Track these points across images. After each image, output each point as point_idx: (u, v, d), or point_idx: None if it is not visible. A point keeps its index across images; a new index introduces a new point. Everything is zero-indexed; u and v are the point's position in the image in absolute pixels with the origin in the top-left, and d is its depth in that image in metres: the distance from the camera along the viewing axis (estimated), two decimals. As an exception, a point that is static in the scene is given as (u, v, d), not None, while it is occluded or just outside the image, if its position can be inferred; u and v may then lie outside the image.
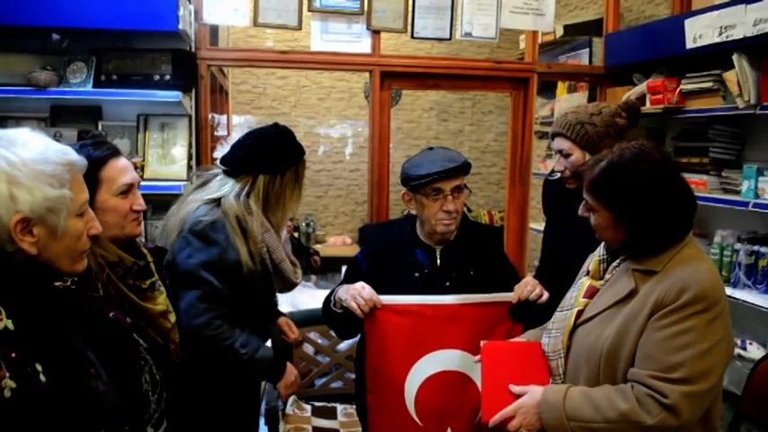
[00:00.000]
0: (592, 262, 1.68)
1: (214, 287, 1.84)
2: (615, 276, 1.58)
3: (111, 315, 1.47)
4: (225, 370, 1.93)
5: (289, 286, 2.02)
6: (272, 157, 1.95)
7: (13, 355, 1.06)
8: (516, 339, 1.87)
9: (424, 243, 2.08)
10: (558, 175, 2.32)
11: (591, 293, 1.61)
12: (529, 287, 1.93)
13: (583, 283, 1.67)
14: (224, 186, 1.94)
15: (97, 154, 1.61)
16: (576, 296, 1.65)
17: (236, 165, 1.96)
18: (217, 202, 1.91)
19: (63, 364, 1.16)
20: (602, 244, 1.67)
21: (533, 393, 1.55)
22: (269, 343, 2.06)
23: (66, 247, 1.22)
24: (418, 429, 1.97)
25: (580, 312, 1.60)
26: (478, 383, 1.93)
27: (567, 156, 2.22)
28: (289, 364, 2.07)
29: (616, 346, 1.48)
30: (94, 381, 1.23)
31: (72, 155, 1.24)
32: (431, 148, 2.09)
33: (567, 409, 1.46)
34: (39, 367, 1.10)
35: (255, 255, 1.89)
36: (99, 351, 1.37)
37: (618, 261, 1.60)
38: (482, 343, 1.77)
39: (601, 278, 1.63)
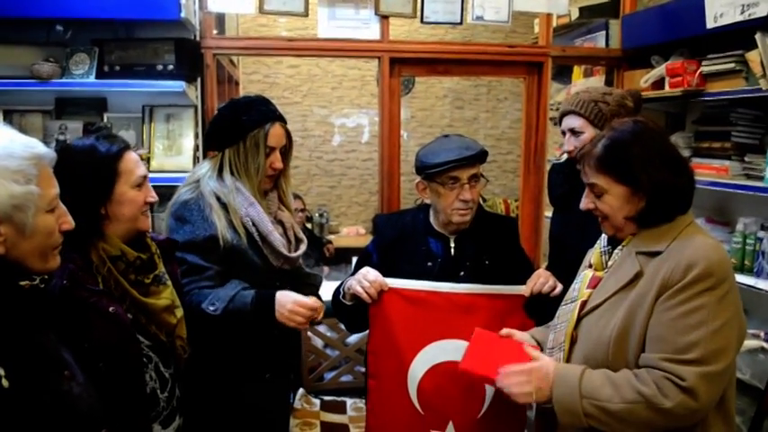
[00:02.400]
0: (593, 255, 1.63)
1: (191, 264, 1.84)
2: (618, 262, 1.53)
3: (110, 310, 1.45)
4: (216, 335, 1.85)
5: (287, 261, 1.98)
6: (228, 129, 1.93)
7: None
8: (518, 335, 1.79)
9: (437, 232, 2.04)
10: (566, 157, 2.27)
11: (594, 284, 1.56)
12: (542, 279, 1.89)
13: (586, 274, 1.61)
14: (202, 168, 1.98)
15: (115, 147, 1.60)
16: (579, 288, 1.60)
17: (208, 146, 2.02)
18: (197, 182, 1.94)
19: (31, 367, 1.12)
20: (603, 236, 1.61)
21: (545, 363, 1.50)
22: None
23: (38, 244, 1.18)
24: (419, 418, 1.93)
25: (584, 303, 1.54)
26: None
27: (578, 134, 2.17)
28: (283, 292, 1.85)
29: (624, 331, 1.42)
30: (68, 383, 1.19)
31: (38, 148, 1.19)
32: (446, 136, 2.06)
33: (582, 386, 1.40)
34: (1, 372, 1.06)
35: (238, 227, 1.88)
36: (85, 346, 1.35)
37: (619, 248, 1.54)
38: (476, 330, 1.75)
39: (604, 269, 1.57)
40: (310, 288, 2.11)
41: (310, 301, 1.85)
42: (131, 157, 1.63)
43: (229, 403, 1.92)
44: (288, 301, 1.82)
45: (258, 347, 1.93)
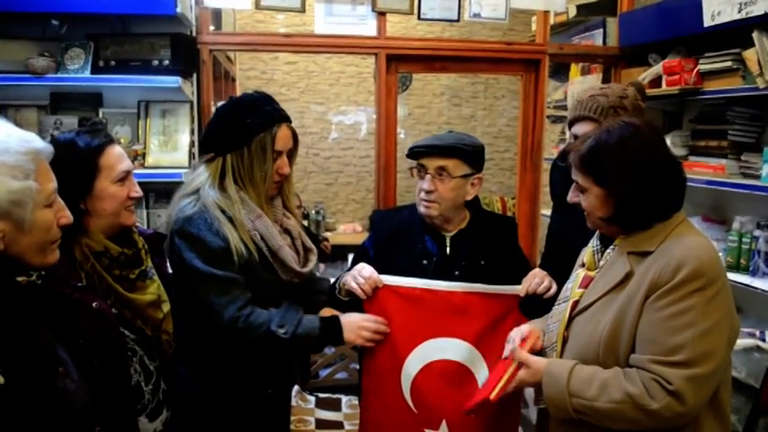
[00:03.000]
0: (586, 254, 1.63)
1: (221, 277, 1.73)
2: (609, 262, 1.52)
3: (94, 305, 1.44)
4: (271, 355, 1.83)
5: (298, 276, 1.87)
6: (231, 132, 1.78)
7: None
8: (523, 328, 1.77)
9: (433, 230, 2.03)
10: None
11: (586, 283, 1.56)
12: (536, 279, 1.88)
13: (578, 274, 1.61)
14: (201, 175, 1.82)
15: (96, 141, 1.58)
16: (571, 287, 1.60)
17: (206, 150, 1.86)
18: (197, 193, 1.80)
19: (26, 363, 1.11)
20: (595, 235, 1.61)
21: (534, 370, 1.52)
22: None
23: (36, 239, 1.18)
24: (412, 416, 1.91)
25: (576, 303, 1.55)
26: (480, 379, 1.87)
27: None
28: (346, 314, 1.89)
29: (614, 332, 1.42)
30: (62, 380, 1.18)
31: (36, 143, 1.18)
32: (450, 132, 2.08)
33: (571, 384, 1.41)
34: None
35: (248, 242, 1.76)
36: (80, 343, 1.34)
37: (611, 248, 1.54)
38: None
39: (596, 268, 1.57)
40: (320, 295, 2.05)
41: (374, 316, 1.88)
42: (113, 151, 1.59)
43: (229, 415, 1.87)
44: (355, 320, 1.86)
45: (263, 363, 1.87)
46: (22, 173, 1.13)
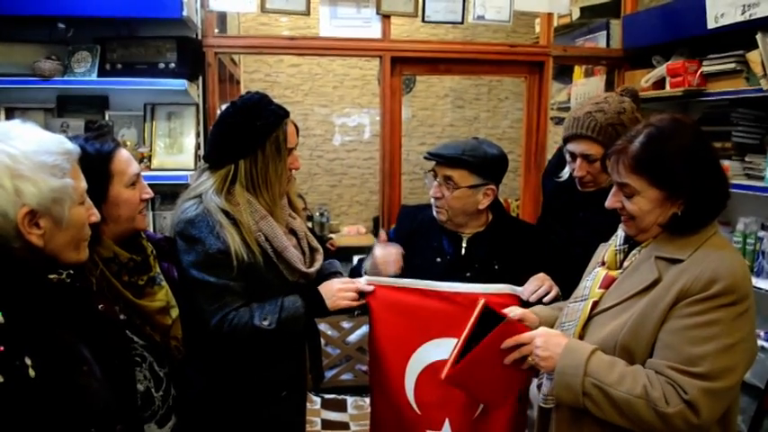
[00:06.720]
0: (607, 252, 1.58)
1: (216, 284, 1.73)
2: (635, 264, 1.48)
3: (99, 307, 1.45)
4: (265, 350, 1.82)
5: (304, 276, 1.86)
6: (243, 138, 1.75)
7: (2, 348, 1.05)
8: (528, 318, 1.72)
9: (451, 231, 2.05)
10: (567, 177, 2.11)
11: (608, 283, 1.51)
12: (536, 282, 1.88)
13: (598, 272, 1.56)
14: (206, 181, 1.80)
15: (106, 147, 1.58)
16: (590, 286, 1.55)
17: (214, 158, 1.82)
18: (200, 197, 1.78)
19: (54, 359, 1.13)
20: (620, 234, 1.56)
21: (556, 342, 1.46)
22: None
23: (72, 236, 1.22)
24: (415, 417, 1.92)
25: (596, 303, 1.51)
26: None
27: (593, 161, 1.94)
28: (323, 284, 1.89)
29: (633, 336, 1.39)
30: (86, 378, 1.20)
31: (68, 143, 1.22)
32: (475, 138, 2.13)
33: (589, 364, 1.38)
34: (28, 362, 1.08)
35: (252, 244, 1.74)
36: (90, 345, 1.35)
37: (637, 249, 1.50)
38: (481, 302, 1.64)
39: (618, 268, 1.53)
40: (336, 275, 2.02)
41: (348, 279, 1.93)
42: (122, 155, 1.59)
43: (244, 421, 1.86)
44: (333, 286, 1.86)
45: (276, 366, 1.87)
46: (60, 171, 1.17)
